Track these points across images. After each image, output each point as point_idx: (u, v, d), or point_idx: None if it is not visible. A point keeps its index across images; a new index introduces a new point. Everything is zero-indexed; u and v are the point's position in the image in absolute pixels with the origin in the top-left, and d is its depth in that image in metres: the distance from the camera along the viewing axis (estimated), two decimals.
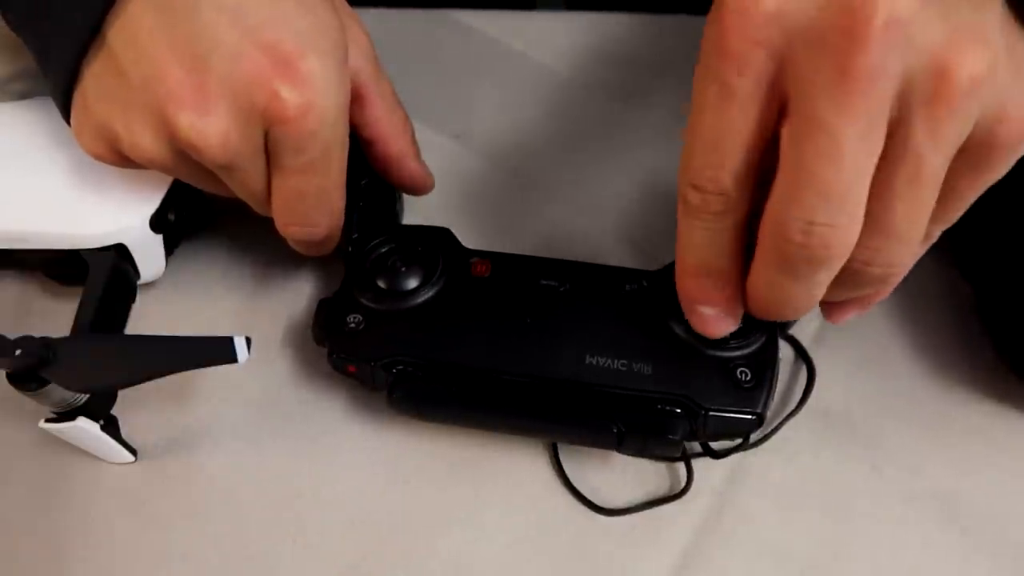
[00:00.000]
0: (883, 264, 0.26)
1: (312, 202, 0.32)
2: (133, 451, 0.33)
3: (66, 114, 0.33)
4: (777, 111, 0.24)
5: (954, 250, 0.39)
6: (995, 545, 0.31)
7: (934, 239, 0.28)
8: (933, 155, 0.24)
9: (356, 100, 0.34)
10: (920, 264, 0.39)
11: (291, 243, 0.34)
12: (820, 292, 0.26)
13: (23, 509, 0.32)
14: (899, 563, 0.31)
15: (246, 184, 0.31)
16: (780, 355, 0.32)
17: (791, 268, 0.25)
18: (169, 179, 0.35)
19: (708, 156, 0.25)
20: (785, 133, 0.24)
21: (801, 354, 0.35)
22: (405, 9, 0.51)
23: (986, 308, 0.36)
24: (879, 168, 0.24)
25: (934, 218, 0.26)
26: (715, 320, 0.29)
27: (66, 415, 0.31)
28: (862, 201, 0.24)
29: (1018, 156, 0.25)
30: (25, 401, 0.29)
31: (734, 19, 0.23)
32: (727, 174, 0.25)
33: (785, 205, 0.24)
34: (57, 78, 0.31)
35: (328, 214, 0.33)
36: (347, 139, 0.32)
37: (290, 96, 0.28)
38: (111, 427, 0.32)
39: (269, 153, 0.30)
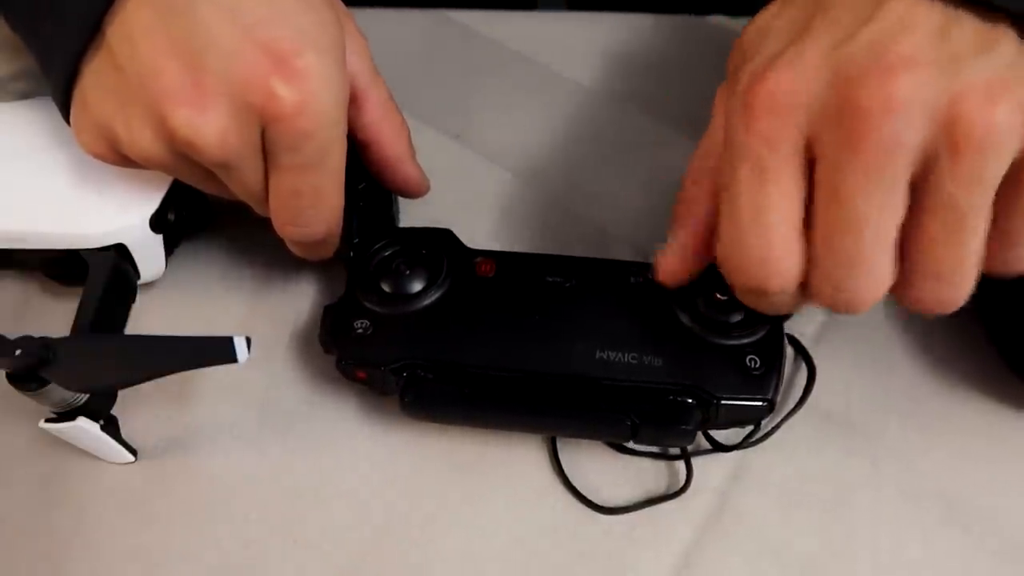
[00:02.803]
0: (934, 302, 0.26)
1: (309, 202, 0.31)
2: (133, 451, 0.33)
3: (66, 113, 0.33)
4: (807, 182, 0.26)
5: None
6: (996, 544, 0.31)
7: (1015, 266, 0.27)
8: (967, 201, 0.24)
9: (353, 102, 0.34)
10: None
11: (289, 245, 0.34)
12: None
13: (23, 509, 0.32)
14: (900, 562, 0.31)
15: (244, 183, 0.31)
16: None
17: (835, 309, 0.27)
18: (169, 179, 0.35)
19: (756, 242, 0.26)
20: (814, 201, 0.25)
21: (801, 353, 0.35)
22: (405, 9, 0.51)
23: (986, 308, 0.36)
24: (916, 217, 0.25)
25: (1008, 245, 0.26)
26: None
27: (66, 415, 0.31)
28: (886, 260, 0.25)
29: None
30: (25, 401, 0.29)
31: (761, 98, 0.25)
32: (777, 255, 0.26)
33: (813, 269, 0.26)
34: (57, 78, 0.31)
35: (325, 215, 0.32)
36: (345, 139, 0.31)
37: (286, 94, 0.28)
38: (111, 427, 0.32)
39: (266, 152, 0.30)
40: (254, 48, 0.28)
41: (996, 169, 0.24)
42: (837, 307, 0.26)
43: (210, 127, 0.28)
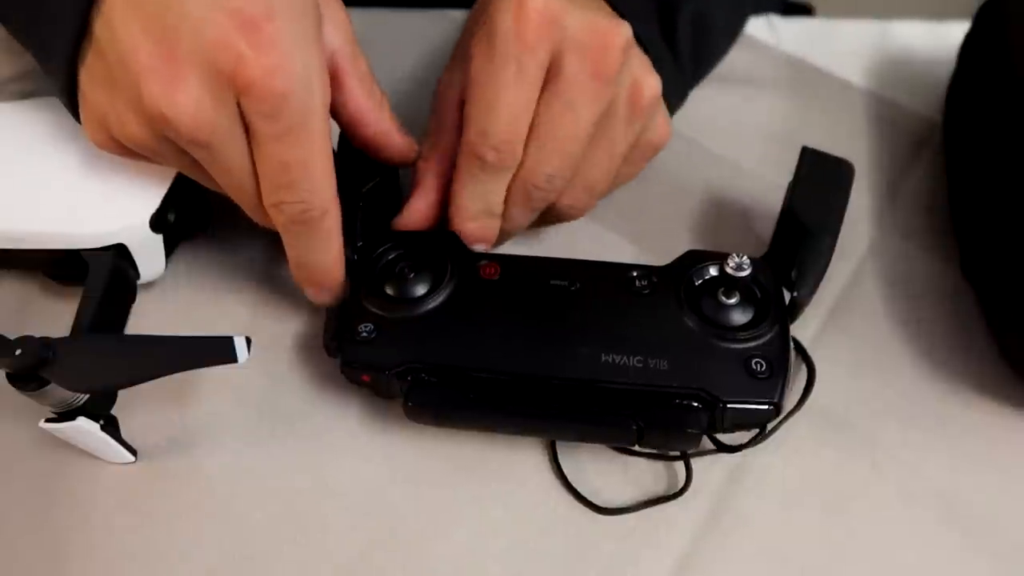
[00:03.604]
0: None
1: (298, 174, 0.30)
2: (133, 451, 0.33)
3: (76, 113, 0.33)
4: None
5: (956, 251, 0.39)
6: (995, 545, 0.31)
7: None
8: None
9: (332, 82, 0.33)
10: (921, 264, 0.39)
11: (293, 268, 0.34)
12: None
13: (23, 508, 0.32)
14: (899, 563, 0.31)
15: (229, 169, 0.31)
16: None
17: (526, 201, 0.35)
18: (169, 179, 0.35)
19: (509, 126, 0.32)
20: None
21: (801, 354, 0.35)
22: (405, 9, 0.51)
23: (987, 308, 0.36)
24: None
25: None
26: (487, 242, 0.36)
27: (66, 415, 0.31)
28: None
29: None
30: (25, 401, 0.29)
31: (534, 16, 0.31)
32: (520, 140, 0.33)
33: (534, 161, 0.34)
34: (58, 80, 0.32)
35: (317, 185, 0.31)
36: (327, 109, 0.31)
37: (255, 56, 0.28)
38: (111, 427, 0.32)
39: (247, 129, 0.30)
40: (223, 16, 0.28)
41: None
42: (542, 191, 0.35)
43: (182, 101, 0.28)
